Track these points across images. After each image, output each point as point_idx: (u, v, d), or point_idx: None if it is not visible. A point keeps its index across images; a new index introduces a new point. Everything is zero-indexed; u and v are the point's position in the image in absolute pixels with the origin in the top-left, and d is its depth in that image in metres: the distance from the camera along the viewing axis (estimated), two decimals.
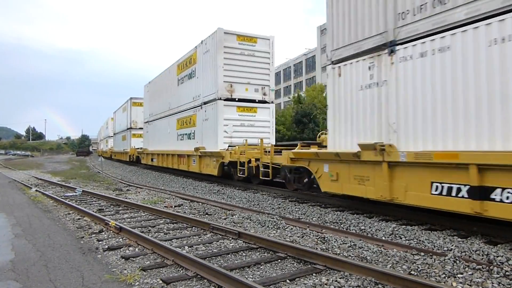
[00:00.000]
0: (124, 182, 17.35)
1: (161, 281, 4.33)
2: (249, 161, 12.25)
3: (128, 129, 33.36)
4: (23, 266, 4.94)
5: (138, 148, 29.00)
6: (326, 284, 4.09)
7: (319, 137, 11.28)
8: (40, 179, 19.02)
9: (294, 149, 10.21)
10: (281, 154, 10.80)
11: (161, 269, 4.79)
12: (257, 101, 15.20)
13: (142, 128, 29.45)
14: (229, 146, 14.10)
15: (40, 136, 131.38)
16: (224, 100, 14.56)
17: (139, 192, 13.10)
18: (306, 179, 10.03)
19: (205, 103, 15.75)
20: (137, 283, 4.30)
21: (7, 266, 4.96)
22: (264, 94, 15.31)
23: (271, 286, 4.15)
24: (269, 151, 11.60)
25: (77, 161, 44.92)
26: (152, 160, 24.01)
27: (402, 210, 7.83)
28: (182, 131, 18.75)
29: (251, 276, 4.49)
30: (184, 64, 18.70)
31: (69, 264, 5.04)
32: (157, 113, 23.43)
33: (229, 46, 14.68)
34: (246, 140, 13.06)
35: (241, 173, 12.93)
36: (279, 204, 9.70)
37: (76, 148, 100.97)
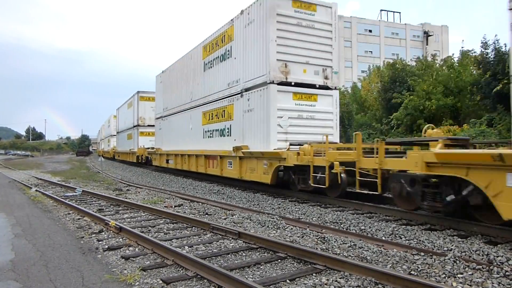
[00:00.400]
0: (124, 182, 17.34)
1: (161, 281, 4.33)
2: (331, 166, 9.01)
3: (134, 126, 30.15)
4: (23, 266, 4.94)
5: (148, 148, 25.93)
6: (326, 284, 4.09)
7: (425, 132, 8.88)
8: (40, 179, 19.02)
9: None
10: (401, 156, 7.77)
11: (161, 269, 4.79)
12: (317, 86, 11.99)
13: (151, 126, 27.20)
14: (291, 145, 10.84)
15: (40, 136, 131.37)
16: (278, 84, 11.32)
17: (139, 192, 13.09)
18: (451, 197, 6.55)
19: (247, 89, 12.53)
20: (137, 283, 4.30)
21: (7, 266, 4.96)
22: (326, 78, 12.09)
23: (271, 286, 4.15)
24: (366, 151, 8.89)
25: (77, 161, 44.92)
26: (167, 161, 20.73)
27: (402, 210, 7.83)
28: (210, 127, 15.41)
29: (251, 276, 4.49)
30: (214, 44, 15.19)
31: (69, 264, 5.04)
32: (174, 106, 20.05)
33: (283, 14, 11.46)
34: (326, 136, 9.58)
35: (316, 182, 9.52)
36: (279, 204, 9.69)
37: (76, 148, 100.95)
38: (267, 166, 11.34)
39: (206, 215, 8.42)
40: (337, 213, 8.29)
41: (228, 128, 13.86)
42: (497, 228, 6.22)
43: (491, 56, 17.76)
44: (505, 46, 17.42)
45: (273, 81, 11.25)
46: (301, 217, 8.08)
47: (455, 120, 18.83)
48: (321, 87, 12.08)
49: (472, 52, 20.92)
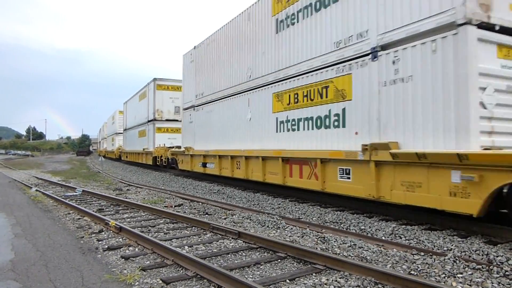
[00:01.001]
0: (124, 182, 17.35)
1: (161, 281, 4.33)
2: None
3: (150, 121, 25.29)
4: (23, 266, 4.94)
5: (172, 147, 21.14)
6: (326, 284, 4.09)
7: None
8: (40, 178, 19.03)
9: None
10: None
11: (161, 269, 4.80)
12: None
13: (170, 120, 24.27)
14: None
15: (40, 136, 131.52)
16: (477, 27, 6.08)
17: (139, 192, 13.10)
18: None
19: (387, 46, 7.35)
20: (137, 283, 4.30)
21: (7, 266, 4.97)
22: None
23: (271, 286, 4.15)
24: None
25: (77, 161, 44.94)
26: (204, 165, 15.62)
27: (402, 210, 7.82)
28: (293, 114, 10.15)
29: (251, 276, 4.49)
30: None
31: (69, 264, 5.04)
32: (216, 90, 14.96)
33: None
34: None
35: None
36: (279, 204, 9.70)
37: (76, 148, 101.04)
38: (463, 181, 5.86)
39: (206, 215, 8.42)
40: (337, 213, 8.29)
41: (336, 114, 8.70)
42: (497, 228, 6.22)
43: None
44: None
45: (470, 21, 6.01)
46: (301, 217, 8.09)
47: None
48: None
49: None
